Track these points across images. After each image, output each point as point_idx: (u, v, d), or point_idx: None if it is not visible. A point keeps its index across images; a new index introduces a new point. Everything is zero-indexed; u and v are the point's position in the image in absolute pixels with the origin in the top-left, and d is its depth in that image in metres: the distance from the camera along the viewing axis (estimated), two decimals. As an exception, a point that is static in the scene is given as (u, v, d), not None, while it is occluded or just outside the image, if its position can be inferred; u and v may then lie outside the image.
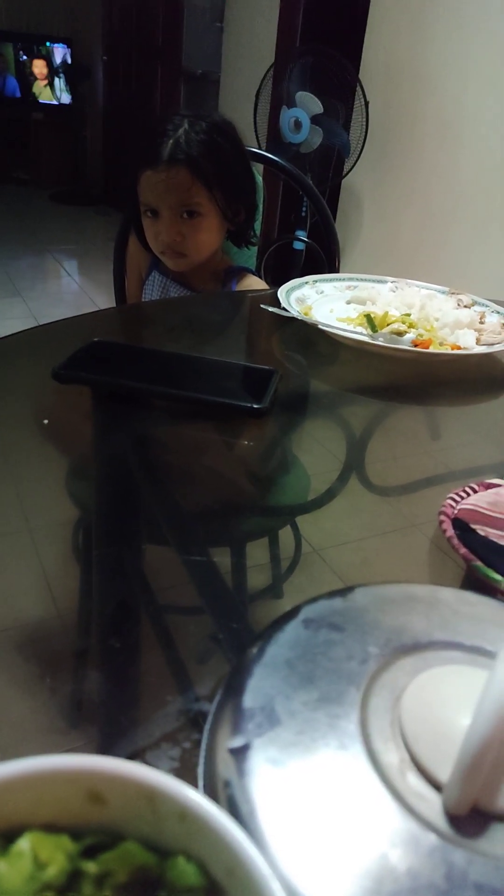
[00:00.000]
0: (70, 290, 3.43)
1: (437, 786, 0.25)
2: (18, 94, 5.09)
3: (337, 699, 0.27)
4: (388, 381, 0.71)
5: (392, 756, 0.26)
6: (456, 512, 0.43)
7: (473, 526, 0.42)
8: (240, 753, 0.26)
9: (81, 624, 0.36)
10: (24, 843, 0.20)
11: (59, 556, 0.41)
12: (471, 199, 2.19)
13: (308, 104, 2.34)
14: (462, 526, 0.42)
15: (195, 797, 0.20)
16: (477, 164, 2.15)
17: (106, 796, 0.21)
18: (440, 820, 0.24)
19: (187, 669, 0.33)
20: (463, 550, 0.39)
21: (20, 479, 0.48)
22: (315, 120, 2.34)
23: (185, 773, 0.27)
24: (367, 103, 2.42)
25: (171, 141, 0.97)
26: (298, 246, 2.51)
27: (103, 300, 3.12)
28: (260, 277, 1.15)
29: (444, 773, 0.24)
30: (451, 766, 0.24)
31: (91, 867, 0.20)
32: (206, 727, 0.29)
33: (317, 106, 2.33)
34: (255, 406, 0.55)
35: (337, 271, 1.29)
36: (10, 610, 0.35)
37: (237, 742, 0.26)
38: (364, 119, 2.44)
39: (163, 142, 0.97)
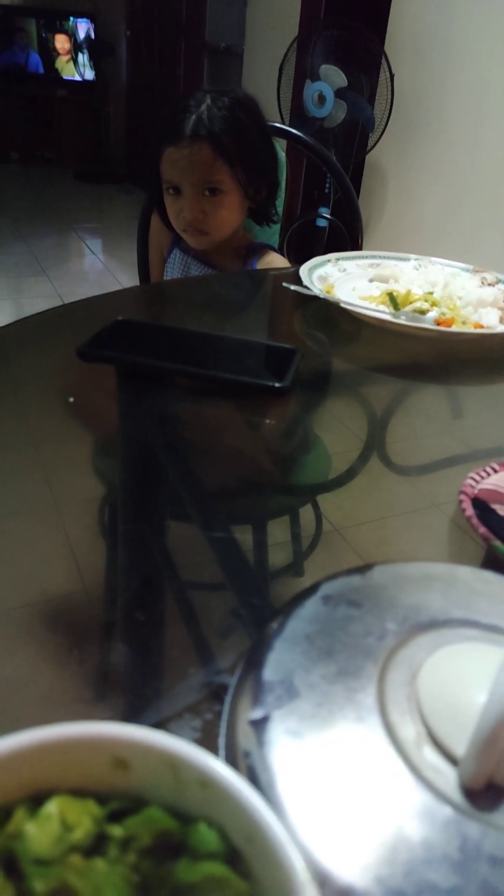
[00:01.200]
0: (94, 269, 3.43)
1: (453, 760, 0.25)
2: (42, 71, 5.06)
3: (355, 673, 0.28)
4: (410, 359, 0.71)
5: (409, 730, 0.26)
6: (476, 492, 0.43)
7: (493, 506, 0.42)
8: (259, 725, 0.26)
9: (107, 598, 0.36)
10: (52, 807, 0.21)
11: (86, 532, 0.42)
12: (498, 175, 2.14)
13: (332, 78, 2.30)
14: (482, 506, 0.42)
15: (216, 765, 0.20)
16: (503, 140, 2.10)
17: (130, 763, 0.22)
18: (455, 793, 0.24)
19: (209, 643, 0.34)
20: (482, 530, 0.39)
21: (47, 456, 0.48)
22: (339, 94, 2.30)
23: (207, 743, 0.28)
24: (392, 76, 2.36)
25: (193, 117, 0.96)
26: (321, 223, 2.48)
27: (127, 278, 3.13)
28: (282, 254, 1.14)
29: (459, 748, 0.25)
30: (466, 741, 0.24)
31: (116, 831, 0.21)
32: (227, 699, 0.29)
33: (341, 79, 2.29)
34: (277, 385, 0.55)
35: (360, 249, 1.27)
36: (39, 584, 0.36)
37: (257, 714, 0.27)
38: (389, 93, 2.38)
39: (185, 118, 0.96)
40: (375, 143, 2.47)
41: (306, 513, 0.46)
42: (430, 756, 0.25)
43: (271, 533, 0.43)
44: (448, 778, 0.25)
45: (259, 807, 0.19)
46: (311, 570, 0.41)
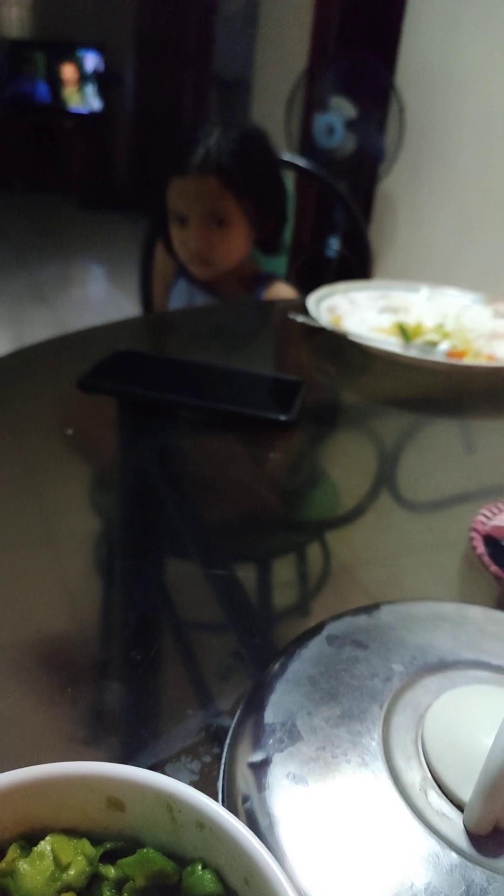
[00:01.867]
0: (97, 297, 3.46)
1: (458, 805, 0.24)
2: (49, 101, 5.16)
3: (359, 716, 0.28)
4: (421, 393, 0.70)
5: (414, 774, 0.26)
6: (487, 528, 0.43)
7: None
8: (259, 768, 0.26)
9: (104, 636, 0.36)
10: (45, 845, 0.21)
11: (82, 568, 0.42)
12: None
13: (342, 109, 2.34)
14: (493, 543, 0.41)
15: (213, 806, 0.20)
16: (515, 170, 2.13)
17: (126, 803, 0.21)
18: (461, 839, 0.24)
19: (209, 684, 0.33)
20: (493, 568, 0.39)
21: (44, 489, 0.48)
22: (349, 125, 2.34)
23: (206, 786, 0.27)
24: (402, 108, 2.40)
25: (201, 150, 0.98)
26: (331, 253, 2.50)
27: (131, 307, 3.15)
28: (290, 284, 1.15)
29: (465, 793, 0.24)
30: (472, 786, 0.24)
31: (110, 871, 0.21)
32: (227, 741, 0.29)
33: (350, 111, 2.33)
34: (282, 418, 0.55)
35: (370, 279, 1.28)
36: (33, 621, 0.36)
37: (257, 757, 0.26)
38: (399, 124, 2.42)
39: (193, 150, 0.98)
40: (387, 174, 2.50)
41: (313, 550, 0.45)
42: (435, 801, 0.25)
43: (277, 571, 0.43)
44: (454, 823, 0.24)
45: (257, 848, 0.19)
46: (318, 609, 0.40)
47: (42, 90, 5.17)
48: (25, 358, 0.70)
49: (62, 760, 0.21)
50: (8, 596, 0.38)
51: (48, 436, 0.55)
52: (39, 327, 2.91)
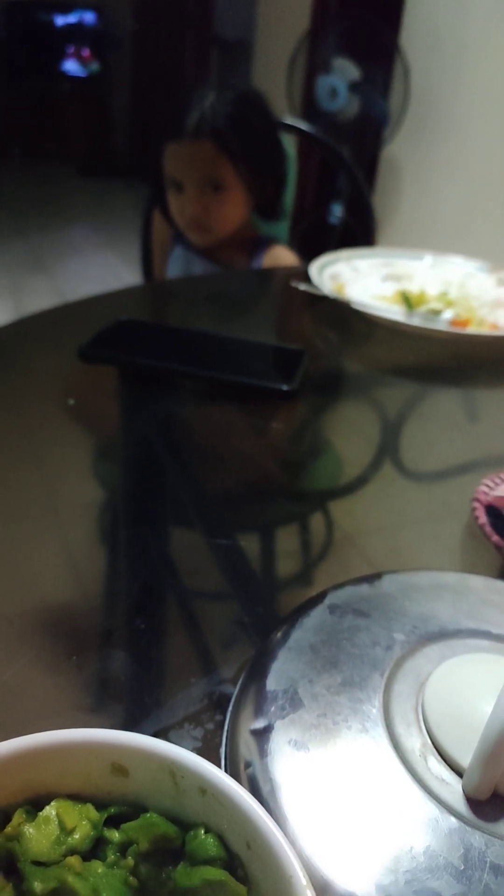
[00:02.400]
0: (97, 266, 3.41)
1: (457, 771, 0.25)
2: (46, 64, 5.05)
3: (360, 684, 0.28)
4: (424, 361, 0.70)
5: (414, 740, 0.26)
6: (490, 499, 0.43)
7: (504, 512, 0.42)
8: (261, 735, 0.26)
9: (108, 605, 0.36)
10: (50, 810, 0.21)
11: (86, 537, 0.42)
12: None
13: (345, 71, 2.28)
14: (495, 513, 0.41)
15: (215, 772, 0.20)
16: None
17: (129, 769, 0.22)
18: (460, 804, 0.24)
19: (212, 652, 0.33)
20: (495, 538, 0.39)
21: (47, 460, 0.48)
22: (352, 87, 2.28)
23: (209, 753, 0.28)
24: (407, 70, 2.34)
25: (196, 113, 0.95)
26: (334, 220, 2.47)
27: (130, 275, 3.12)
28: (292, 251, 1.13)
29: (464, 759, 0.24)
30: (471, 752, 0.24)
31: (115, 835, 0.21)
32: (230, 709, 0.29)
33: (354, 73, 2.27)
34: (283, 387, 0.55)
35: (373, 246, 1.27)
36: (38, 590, 0.36)
37: (259, 724, 0.27)
38: (405, 87, 2.37)
39: (188, 114, 0.96)
40: (390, 139, 2.45)
41: (316, 520, 0.45)
42: (434, 767, 0.25)
43: (279, 540, 0.43)
44: (453, 789, 0.24)
45: (258, 812, 0.19)
46: (321, 579, 0.40)
47: (39, 53, 5.04)
48: (25, 328, 0.69)
49: (67, 727, 0.21)
50: (12, 565, 0.38)
51: (50, 406, 0.55)
52: (39, 297, 2.88)
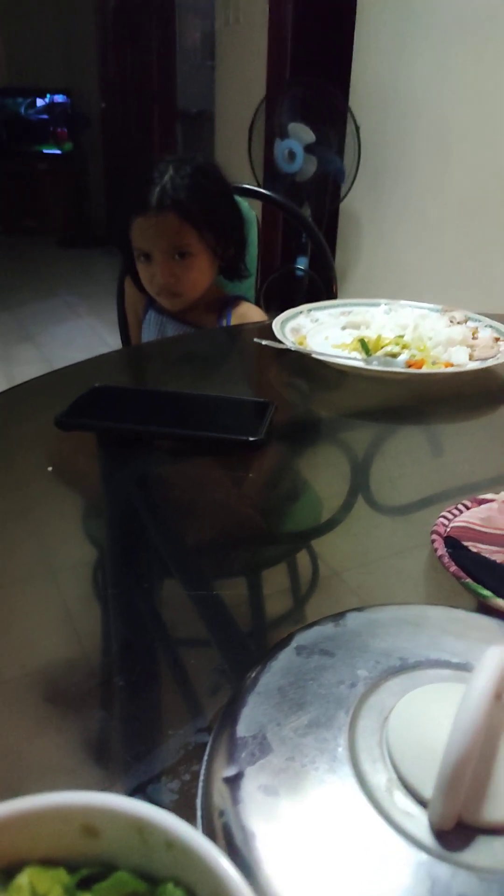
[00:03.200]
0: (81, 331, 3.49)
1: (423, 803, 0.25)
2: (21, 146, 5.27)
3: (326, 723, 0.28)
4: (385, 402, 0.72)
5: (380, 776, 0.26)
6: (448, 530, 0.44)
7: (466, 543, 0.43)
8: (233, 782, 0.27)
9: (87, 665, 0.37)
10: (23, 878, 0.21)
11: (83, 595, 0.43)
12: (465, 212, 2.21)
13: (300, 134, 2.40)
14: (454, 544, 0.42)
15: (180, 826, 0.21)
16: (468, 178, 2.18)
17: (99, 829, 0.22)
18: (426, 836, 0.24)
19: (190, 703, 0.34)
20: (453, 568, 0.40)
21: (39, 524, 0.50)
22: (308, 149, 2.39)
23: (186, 804, 0.28)
24: (357, 128, 2.46)
25: (157, 188, 1.00)
26: (300, 273, 2.55)
27: (114, 339, 3.18)
28: (262, 304, 1.17)
29: (429, 790, 0.25)
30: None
31: (87, 897, 0.21)
32: (205, 758, 0.30)
33: (309, 136, 2.38)
34: (251, 439, 0.56)
35: (335, 297, 1.31)
36: (16, 656, 0.37)
37: (231, 771, 0.27)
38: (357, 143, 2.48)
39: (150, 189, 1.01)
40: (347, 193, 2.56)
41: (302, 559, 0.46)
42: (400, 801, 0.26)
43: (270, 581, 0.44)
44: (419, 821, 0.25)
45: (222, 864, 0.20)
46: (314, 615, 0.41)
47: (14, 135, 5.27)
48: (10, 398, 0.71)
49: (47, 791, 0.22)
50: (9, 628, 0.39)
51: (34, 472, 0.56)
52: (26, 365, 2.94)
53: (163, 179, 1.01)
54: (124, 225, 1.06)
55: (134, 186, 1.04)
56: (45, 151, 5.31)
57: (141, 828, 0.21)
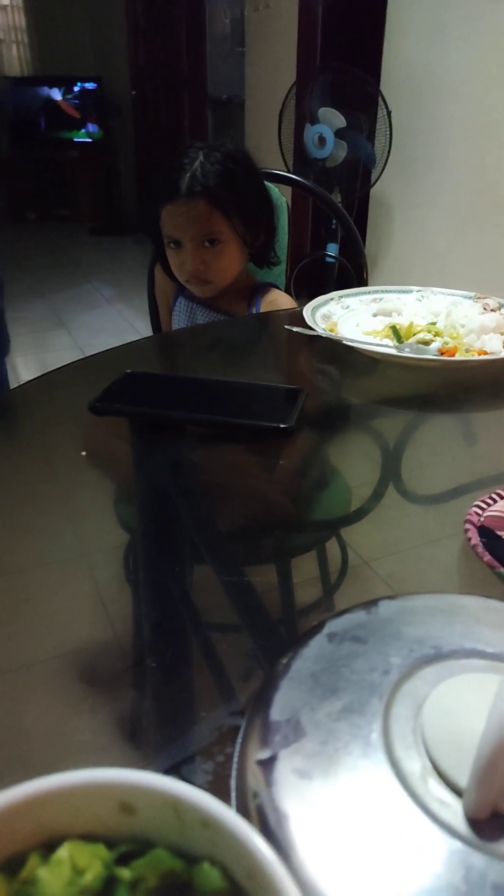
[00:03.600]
0: (111, 319, 3.52)
1: (458, 791, 0.25)
2: (53, 135, 5.31)
3: (360, 709, 0.28)
4: (417, 390, 0.72)
5: (414, 763, 0.26)
6: (482, 520, 0.43)
7: (500, 533, 0.42)
8: (267, 765, 0.27)
9: (120, 646, 0.37)
10: (63, 852, 0.22)
11: (116, 579, 0.43)
12: (499, 197, 2.17)
13: (331, 119, 2.37)
14: (489, 533, 0.42)
15: (216, 805, 0.21)
16: (503, 162, 2.14)
17: (136, 807, 0.22)
18: (461, 825, 0.24)
19: (222, 686, 0.34)
20: (487, 558, 0.39)
21: (73, 507, 0.51)
22: (339, 134, 2.37)
23: (219, 785, 0.29)
24: (389, 112, 2.43)
25: (187, 174, 1.00)
26: (331, 259, 2.53)
27: (144, 326, 3.20)
28: (292, 291, 1.17)
29: (464, 779, 0.25)
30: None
31: (125, 873, 0.22)
32: (238, 740, 0.30)
33: (339, 120, 2.35)
34: (282, 426, 0.56)
35: (365, 284, 1.30)
36: (52, 637, 0.38)
37: (264, 754, 0.27)
38: (388, 128, 2.45)
39: (180, 175, 1.00)
40: (378, 178, 2.52)
41: (332, 547, 0.46)
42: (435, 789, 0.25)
43: (300, 569, 0.44)
44: (453, 810, 0.25)
45: (257, 843, 0.20)
46: (344, 603, 0.41)
47: (46, 124, 5.31)
48: (44, 384, 0.72)
49: (81, 769, 0.22)
50: (29, 612, 0.39)
51: (69, 457, 0.57)
52: (60, 351, 2.99)
53: (193, 166, 1.00)
54: (154, 212, 1.06)
55: (164, 173, 1.04)
56: (76, 140, 5.34)
57: (177, 806, 0.22)
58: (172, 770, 0.29)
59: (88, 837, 0.23)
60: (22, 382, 0.72)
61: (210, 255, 1.04)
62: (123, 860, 0.22)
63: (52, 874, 0.22)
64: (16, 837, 0.22)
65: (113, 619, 0.39)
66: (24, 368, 2.76)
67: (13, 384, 2.29)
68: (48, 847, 0.23)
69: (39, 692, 0.34)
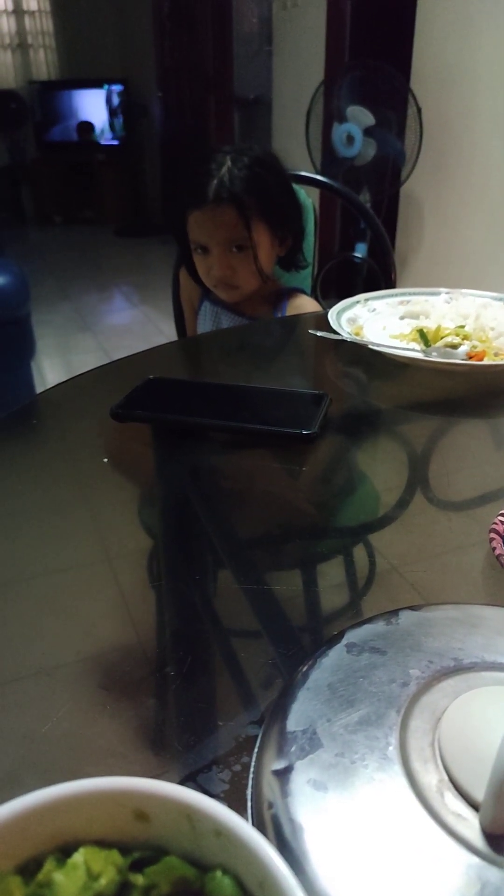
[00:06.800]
0: (137, 321, 3.55)
1: (475, 806, 0.25)
2: (80, 137, 5.37)
3: (377, 721, 0.28)
4: (446, 395, 0.71)
5: (431, 776, 0.26)
6: (507, 528, 0.43)
7: (525, 541, 0.42)
8: (283, 775, 0.27)
9: (139, 654, 0.38)
10: (78, 857, 0.22)
11: (138, 584, 0.44)
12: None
13: (359, 118, 2.35)
14: (513, 542, 0.41)
15: (229, 815, 0.21)
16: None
17: (150, 815, 0.23)
18: (478, 839, 0.24)
19: (240, 695, 0.34)
20: (511, 567, 0.39)
21: (96, 513, 0.51)
22: (368, 132, 2.35)
23: (236, 795, 0.29)
24: (419, 110, 2.40)
25: (215, 181, 1.00)
26: (359, 260, 2.52)
27: (169, 328, 3.21)
28: (313, 295, 1.16)
29: (481, 793, 0.25)
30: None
31: (139, 879, 0.22)
32: (255, 750, 0.30)
33: (368, 118, 2.34)
34: (305, 432, 0.56)
35: (394, 285, 1.29)
36: (72, 645, 0.38)
37: (280, 764, 0.27)
38: (418, 126, 2.42)
39: (207, 181, 1.00)
40: (408, 177, 2.50)
41: (358, 553, 0.46)
42: (451, 803, 0.25)
43: (325, 575, 0.44)
44: (470, 824, 0.25)
45: (268, 852, 0.20)
46: (370, 611, 0.41)
47: (72, 127, 5.37)
48: (67, 389, 0.73)
49: (100, 776, 0.23)
50: (51, 619, 0.40)
51: (92, 463, 0.58)
52: (85, 354, 3.02)
53: (220, 172, 1.00)
54: (180, 217, 1.06)
55: (191, 178, 1.04)
56: (102, 143, 5.39)
57: (190, 815, 0.22)
58: (189, 778, 0.29)
59: (103, 843, 0.23)
60: (47, 385, 0.73)
61: (237, 261, 1.04)
62: (137, 866, 0.23)
63: (68, 878, 0.22)
64: (33, 841, 0.22)
65: (136, 624, 0.40)
66: (50, 371, 2.80)
67: (38, 387, 2.33)
68: (64, 852, 0.23)
69: (60, 697, 0.34)
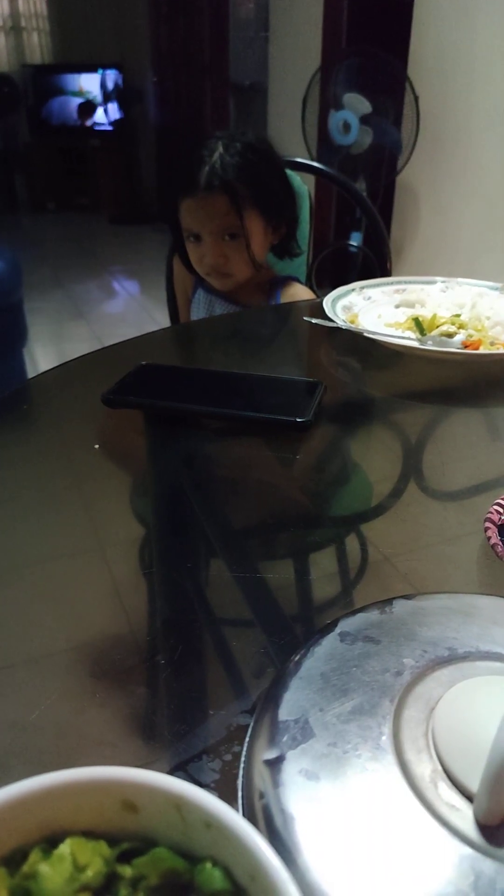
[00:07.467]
0: (130, 309, 3.53)
1: (468, 796, 0.25)
2: (74, 123, 5.31)
3: (370, 711, 0.28)
4: (441, 384, 0.70)
5: (424, 767, 0.26)
6: (502, 518, 0.43)
7: (520, 531, 0.41)
8: (274, 765, 0.27)
9: (129, 642, 0.37)
10: (65, 848, 0.22)
11: (129, 572, 0.43)
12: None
13: (356, 105, 2.33)
14: (508, 532, 0.41)
15: (219, 806, 0.21)
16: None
17: (138, 805, 0.22)
18: (471, 830, 0.24)
19: (231, 684, 0.34)
20: (506, 557, 0.38)
21: (87, 500, 0.50)
22: (364, 120, 2.33)
23: (226, 784, 0.28)
24: (416, 98, 2.38)
25: (206, 167, 0.99)
26: (354, 248, 2.50)
27: (163, 316, 3.20)
28: (308, 284, 1.15)
29: (475, 784, 0.24)
30: (481, 777, 0.24)
31: (126, 871, 0.22)
32: (246, 739, 0.30)
33: (365, 106, 2.32)
34: (298, 420, 0.55)
35: (389, 274, 1.28)
36: (59, 632, 0.37)
37: (272, 754, 0.27)
38: (415, 114, 2.40)
39: (199, 168, 0.99)
40: (404, 165, 2.49)
41: (351, 543, 0.46)
42: (445, 793, 0.25)
43: (318, 565, 0.44)
44: (464, 815, 0.24)
45: (260, 845, 0.20)
46: (362, 600, 0.40)
47: (67, 112, 5.31)
48: (59, 374, 0.72)
49: (90, 764, 0.22)
50: (39, 606, 0.39)
51: (83, 449, 0.57)
52: (78, 342, 3.00)
53: (212, 158, 0.99)
54: (173, 204, 1.05)
55: (183, 165, 1.03)
56: (97, 128, 5.33)
57: (180, 806, 0.22)
58: (179, 768, 0.29)
59: (91, 834, 0.23)
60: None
61: (230, 249, 1.03)
62: (125, 858, 0.22)
63: (54, 869, 0.22)
64: (18, 832, 0.22)
65: (128, 612, 0.39)
66: (43, 359, 2.78)
67: (31, 375, 2.31)
68: (50, 842, 0.23)
69: (50, 685, 0.34)
